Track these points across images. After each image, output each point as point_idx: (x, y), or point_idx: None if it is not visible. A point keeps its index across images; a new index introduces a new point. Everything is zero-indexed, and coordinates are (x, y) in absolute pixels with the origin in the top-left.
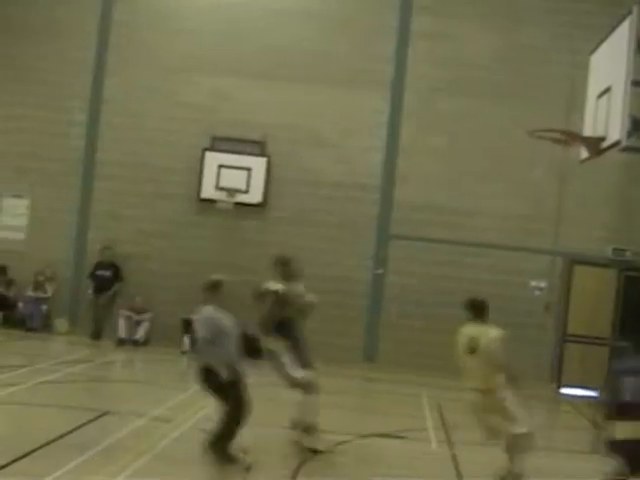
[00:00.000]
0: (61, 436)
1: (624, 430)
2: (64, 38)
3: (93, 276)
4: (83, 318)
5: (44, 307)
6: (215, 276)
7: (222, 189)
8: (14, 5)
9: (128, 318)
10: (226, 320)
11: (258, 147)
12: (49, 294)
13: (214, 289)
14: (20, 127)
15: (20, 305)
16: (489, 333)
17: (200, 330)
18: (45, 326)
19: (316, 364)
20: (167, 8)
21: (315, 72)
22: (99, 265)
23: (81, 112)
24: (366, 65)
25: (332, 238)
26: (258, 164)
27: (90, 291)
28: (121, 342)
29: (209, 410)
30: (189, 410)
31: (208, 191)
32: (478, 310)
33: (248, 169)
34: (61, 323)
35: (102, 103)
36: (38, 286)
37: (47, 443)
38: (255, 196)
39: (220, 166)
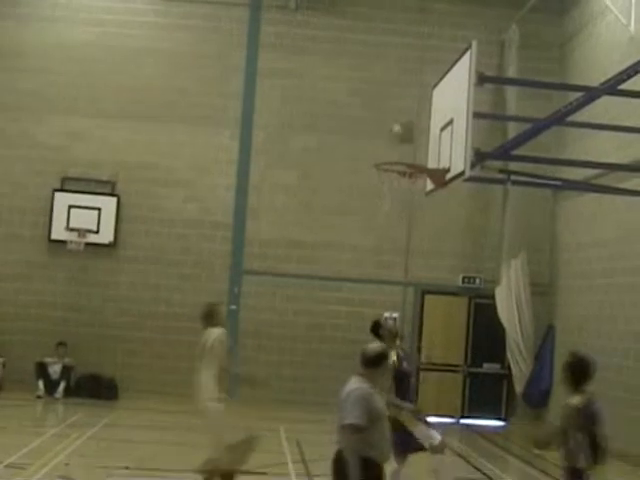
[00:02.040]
0: None
1: None
2: None
3: None
4: None
5: None
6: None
7: (72, 229)
8: None
9: None
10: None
11: (109, 187)
12: None
13: None
14: None
15: None
16: None
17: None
18: None
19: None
20: (13, 46)
21: (166, 111)
22: None
23: None
24: (216, 103)
25: (186, 276)
26: (109, 204)
27: None
28: None
29: (64, 455)
30: (45, 456)
31: (58, 232)
32: None
33: (98, 209)
34: None
35: None
36: None
37: None
38: (106, 236)
39: (70, 206)
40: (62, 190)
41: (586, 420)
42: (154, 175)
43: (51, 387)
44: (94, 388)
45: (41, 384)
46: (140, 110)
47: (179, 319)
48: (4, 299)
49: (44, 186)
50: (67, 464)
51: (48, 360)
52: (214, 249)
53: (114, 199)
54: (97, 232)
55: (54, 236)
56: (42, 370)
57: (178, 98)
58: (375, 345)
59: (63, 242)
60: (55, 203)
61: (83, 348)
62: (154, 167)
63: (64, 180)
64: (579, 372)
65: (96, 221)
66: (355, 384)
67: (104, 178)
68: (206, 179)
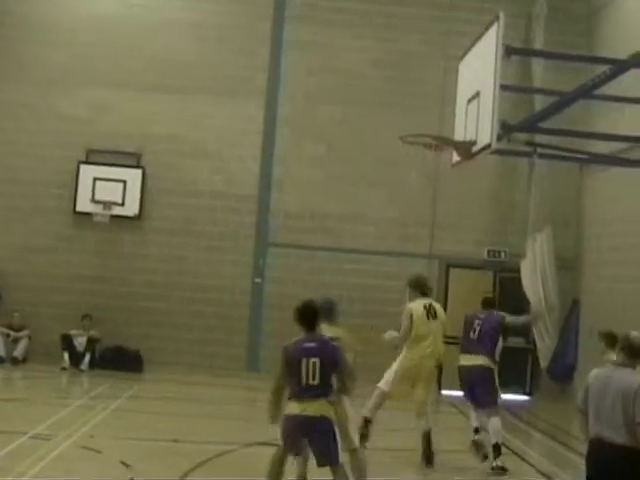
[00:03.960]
0: None
1: None
2: None
3: None
4: None
5: None
6: None
7: (98, 202)
8: None
9: (6, 336)
10: None
11: (134, 159)
12: None
13: None
14: None
15: None
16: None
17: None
18: None
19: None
20: (41, 20)
21: (191, 83)
22: None
23: None
24: (241, 74)
25: (212, 248)
26: (134, 176)
27: None
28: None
29: (89, 427)
30: (69, 428)
31: (84, 204)
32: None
33: (124, 181)
34: None
35: None
36: None
37: None
38: (131, 208)
39: (95, 179)
40: (87, 162)
41: None
42: (179, 147)
43: (76, 359)
44: (119, 360)
45: (66, 356)
46: (165, 82)
47: (205, 290)
48: (30, 271)
49: (70, 159)
50: (92, 436)
51: (73, 332)
52: (240, 221)
53: (139, 171)
54: (122, 204)
55: (79, 208)
56: (67, 342)
57: (203, 70)
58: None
59: (89, 214)
60: (80, 175)
61: (109, 320)
62: (179, 139)
63: (89, 152)
64: None
65: (121, 193)
66: (632, 376)
67: (129, 150)
68: (232, 151)
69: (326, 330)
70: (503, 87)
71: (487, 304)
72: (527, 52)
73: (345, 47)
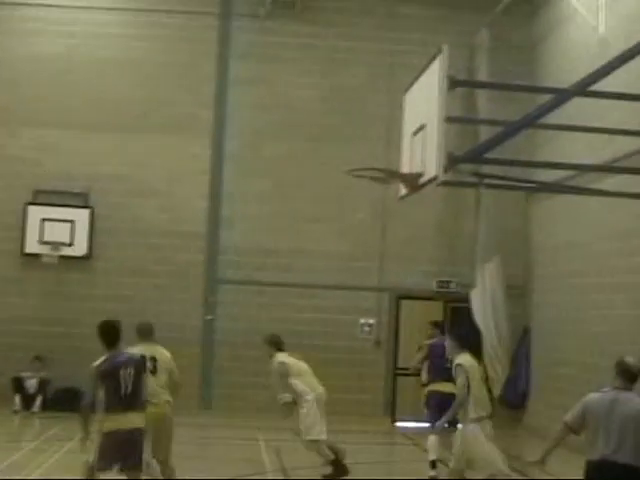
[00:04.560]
0: None
1: None
2: None
3: None
4: None
5: None
6: None
7: (46, 243)
8: None
9: None
10: None
11: (82, 199)
12: None
13: None
14: None
15: None
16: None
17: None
18: None
19: None
20: None
21: (137, 121)
22: None
23: None
24: (188, 112)
25: (161, 287)
26: (82, 216)
27: None
28: None
29: (43, 469)
30: (23, 471)
31: (32, 246)
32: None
33: (72, 221)
34: None
35: None
36: None
37: None
38: (80, 248)
39: (43, 219)
40: (34, 203)
41: None
42: (127, 186)
43: (28, 401)
44: (71, 401)
45: (18, 399)
46: (111, 121)
47: (157, 330)
48: None
49: (16, 200)
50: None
51: (24, 374)
52: (188, 259)
53: (87, 211)
54: (71, 245)
55: (27, 250)
56: (18, 384)
57: (149, 108)
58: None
59: (37, 255)
60: (28, 216)
61: (60, 361)
62: (127, 178)
63: (36, 193)
64: None
65: (69, 234)
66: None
67: (76, 190)
68: (179, 189)
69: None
70: (448, 119)
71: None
72: (471, 84)
73: (291, 82)
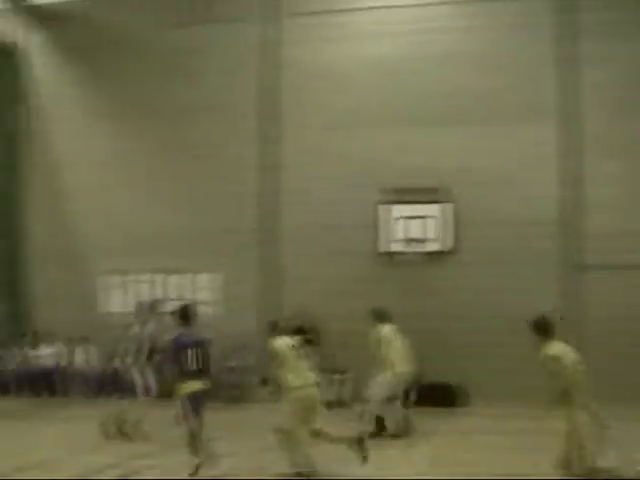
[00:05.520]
0: None
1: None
2: (229, 111)
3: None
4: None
5: (245, 377)
6: None
7: (402, 240)
8: (178, 85)
9: (328, 379)
10: None
11: (435, 194)
12: (248, 363)
13: None
14: (201, 204)
15: (221, 377)
16: None
17: None
18: (249, 395)
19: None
20: (330, 68)
21: (481, 112)
22: (298, 330)
23: (256, 181)
24: (529, 98)
25: (522, 276)
26: (437, 211)
27: None
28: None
29: (417, 462)
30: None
31: (391, 244)
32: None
33: (426, 217)
34: (264, 391)
35: (274, 169)
36: (236, 357)
37: None
38: (433, 243)
39: (398, 217)
40: (391, 202)
41: None
42: (477, 177)
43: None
44: (441, 396)
45: None
46: (454, 114)
47: (521, 320)
48: (343, 314)
49: (371, 200)
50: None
51: None
52: (547, 247)
53: (442, 206)
54: (425, 240)
55: (383, 248)
56: None
57: (492, 99)
58: None
59: (395, 253)
60: (382, 215)
61: (427, 357)
62: (476, 170)
63: (389, 192)
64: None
65: (423, 229)
66: None
67: (430, 186)
68: (529, 176)
69: None
70: None
71: None
72: None
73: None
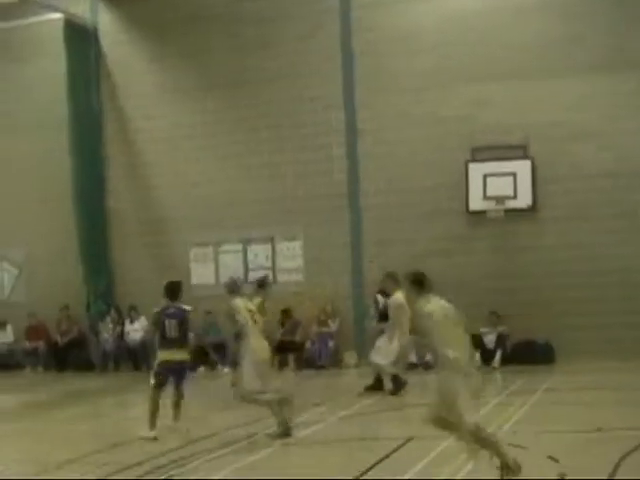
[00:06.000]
0: (370, 468)
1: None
2: (309, 78)
3: (377, 306)
4: (369, 349)
5: (331, 343)
6: None
7: (490, 198)
8: (255, 56)
9: (415, 342)
10: None
11: (520, 150)
12: (334, 329)
13: None
14: (283, 172)
15: (308, 344)
16: None
17: None
18: (334, 361)
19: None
20: (404, 30)
21: (563, 64)
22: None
23: (339, 147)
24: (613, 46)
25: (609, 230)
26: (523, 167)
27: (374, 321)
28: (411, 366)
29: (510, 424)
30: (491, 426)
31: (476, 202)
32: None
33: (513, 174)
34: (350, 356)
35: (357, 135)
36: (322, 323)
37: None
38: (524, 200)
39: (485, 175)
40: (475, 160)
41: None
42: (563, 132)
43: (487, 357)
44: (530, 354)
45: (477, 354)
46: (539, 67)
47: (606, 274)
48: (431, 275)
49: (456, 158)
50: (515, 432)
51: (482, 330)
52: (635, 198)
53: (528, 162)
54: (514, 197)
55: (472, 207)
56: (478, 341)
57: (572, 48)
58: None
59: (482, 212)
60: (470, 174)
61: (514, 315)
62: (562, 124)
63: (475, 150)
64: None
65: (512, 186)
66: None
67: (515, 142)
68: (617, 126)
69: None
70: None
71: None
72: None
73: None
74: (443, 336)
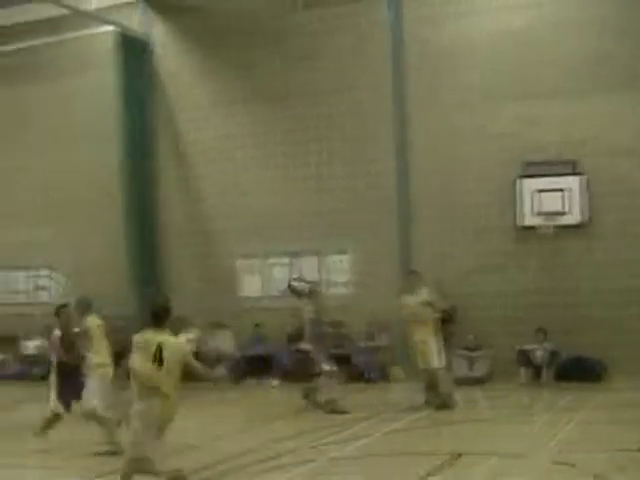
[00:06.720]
0: None
1: None
2: (359, 91)
3: None
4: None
5: (379, 357)
6: None
7: (541, 214)
8: (305, 68)
9: (464, 357)
10: None
11: (571, 166)
12: (383, 343)
13: None
14: (331, 186)
15: (354, 357)
16: None
17: None
18: (382, 375)
19: None
20: (455, 44)
21: (601, 80)
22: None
23: (388, 161)
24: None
25: None
26: (573, 183)
27: None
28: (459, 381)
29: (557, 441)
30: (539, 444)
31: (527, 218)
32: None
33: (564, 190)
34: (397, 371)
35: (407, 149)
36: (370, 337)
37: None
38: (574, 216)
39: (536, 191)
40: (525, 176)
41: None
42: (611, 148)
43: (535, 373)
44: (580, 371)
45: (524, 371)
46: (582, 84)
47: None
48: (481, 290)
49: (507, 174)
50: (561, 451)
51: (529, 347)
52: None
53: (578, 178)
54: (564, 213)
55: (522, 223)
56: (525, 357)
57: (612, 65)
58: None
59: (532, 228)
60: (521, 189)
61: (563, 331)
62: (609, 140)
63: (525, 166)
64: None
65: (563, 202)
66: None
67: (565, 158)
68: None
69: None
70: None
71: None
72: None
73: None
74: None
